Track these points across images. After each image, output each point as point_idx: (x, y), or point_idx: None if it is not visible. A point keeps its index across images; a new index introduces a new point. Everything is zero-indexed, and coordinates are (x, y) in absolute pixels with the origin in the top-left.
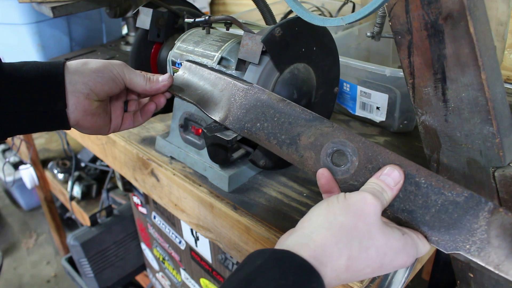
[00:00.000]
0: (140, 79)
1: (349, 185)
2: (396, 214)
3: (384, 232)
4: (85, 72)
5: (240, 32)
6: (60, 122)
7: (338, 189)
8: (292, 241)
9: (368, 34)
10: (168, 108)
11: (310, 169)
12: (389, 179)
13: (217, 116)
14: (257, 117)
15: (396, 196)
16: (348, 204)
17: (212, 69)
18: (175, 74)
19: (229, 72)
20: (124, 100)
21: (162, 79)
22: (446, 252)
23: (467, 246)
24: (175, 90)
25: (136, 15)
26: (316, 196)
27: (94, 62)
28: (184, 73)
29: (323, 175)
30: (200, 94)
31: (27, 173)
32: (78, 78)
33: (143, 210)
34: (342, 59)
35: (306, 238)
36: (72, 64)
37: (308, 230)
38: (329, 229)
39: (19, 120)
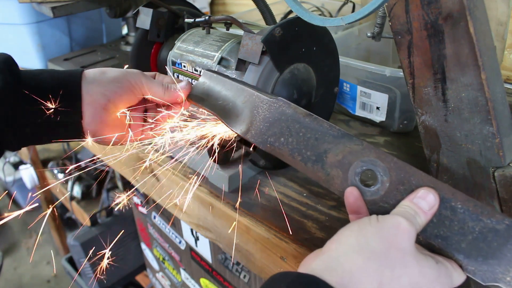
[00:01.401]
0: (158, 89)
1: (379, 207)
2: (429, 240)
3: (417, 260)
4: (103, 82)
5: (240, 32)
6: (75, 133)
7: (366, 210)
8: (319, 264)
9: (369, 34)
10: None
11: (337, 189)
12: (424, 202)
13: (238, 129)
14: (281, 131)
15: (429, 221)
16: (381, 228)
17: (234, 79)
18: (195, 82)
19: (228, 71)
20: (142, 109)
21: (180, 87)
22: (483, 284)
23: (508, 278)
24: (195, 99)
25: (136, 15)
26: (316, 196)
27: (112, 71)
28: (204, 82)
29: (351, 194)
30: (221, 105)
31: (27, 173)
32: (96, 88)
33: (143, 210)
34: (342, 59)
35: (333, 262)
36: (90, 73)
37: (336, 253)
38: (359, 254)
39: (33, 130)
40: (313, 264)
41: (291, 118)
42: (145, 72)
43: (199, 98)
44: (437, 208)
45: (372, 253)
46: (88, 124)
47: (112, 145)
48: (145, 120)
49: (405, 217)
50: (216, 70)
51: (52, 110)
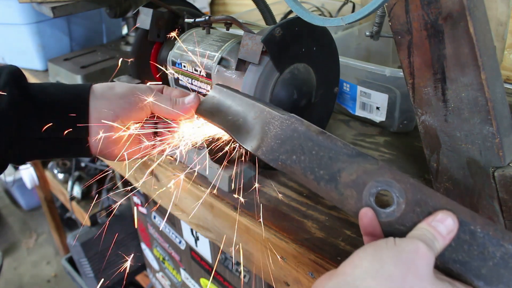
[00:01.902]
0: (166, 103)
1: (394, 229)
2: (447, 265)
3: (435, 286)
4: (111, 98)
5: (240, 32)
6: (81, 149)
7: (381, 232)
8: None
9: (367, 33)
10: None
11: (350, 209)
12: (442, 226)
13: (249, 145)
14: (294, 149)
15: (447, 245)
16: (398, 252)
17: (245, 94)
18: (204, 97)
19: (228, 71)
20: (151, 124)
21: (188, 101)
22: None
23: None
24: (204, 114)
25: (136, 15)
26: (316, 196)
27: (120, 87)
28: (214, 97)
29: (366, 215)
30: (231, 120)
31: (27, 173)
32: (104, 104)
33: (143, 210)
34: (342, 59)
35: (348, 286)
36: (98, 88)
37: (350, 277)
38: (375, 278)
39: (38, 146)
40: (327, 287)
41: (303, 135)
42: (152, 86)
43: (208, 113)
44: (456, 232)
45: (388, 278)
46: (96, 141)
47: (118, 160)
48: (155, 133)
49: (424, 242)
50: (216, 70)
51: (58, 126)
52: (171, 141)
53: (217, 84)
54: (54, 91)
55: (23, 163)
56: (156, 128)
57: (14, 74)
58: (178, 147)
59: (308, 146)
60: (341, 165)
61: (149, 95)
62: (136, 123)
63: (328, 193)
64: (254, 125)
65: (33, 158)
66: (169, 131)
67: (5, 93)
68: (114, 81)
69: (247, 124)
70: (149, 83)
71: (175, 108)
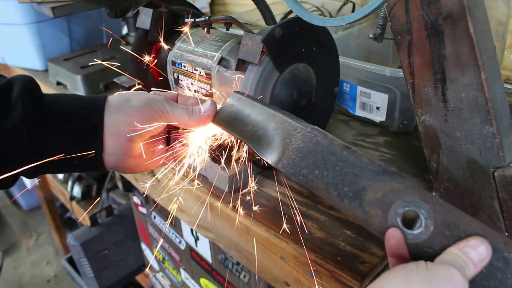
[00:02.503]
0: (183, 114)
1: (422, 252)
2: None
3: None
4: (127, 111)
5: (240, 32)
6: (95, 165)
7: (408, 254)
8: None
9: (371, 35)
10: None
11: (376, 229)
12: (475, 253)
13: (269, 158)
14: (316, 163)
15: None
16: (430, 278)
17: (265, 103)
18: (222, 105)
19: (228, 71)
20: (165, 135)
21: (204, 110)
22: None
23: None
24: (221, 123)
25: (136, 15)
26: (316, 196)
27: (136, 99)
28: (232, 105)
29: (394, 236)
30: (250, 130)
31: None
32: (120, 117)
33: (143, 210)
34: (342, 59)
35: None
36: (113, 100)
37: None
38: None
39: (51, 161)
40: None
41: (327, 150)
42: (167, 94)
43: (227, 122)
44: (489, 261)
45: None
46: (110, 155)
47: (131, 172)
48: (167, 144)
49: (457, 268)
50: (216, 70)
51: (71, 140)
52: (187, 152)
53: (235, 92)
54: (68, 104)
55: (35, 177)
56: (170, 139)
57: (28, 86)
58: (194, 158)
59: (331, 161)
60: (366, 182)
61: (165, 106)
62: (151, 137)
63: (352, 211)
64: (275, 136)
65: (44, 173)
66: (182, 143)
67: (18, 107)
68: (114, 81)
69: (267, 135)
70: (155, 89)
71: (191, 118)
